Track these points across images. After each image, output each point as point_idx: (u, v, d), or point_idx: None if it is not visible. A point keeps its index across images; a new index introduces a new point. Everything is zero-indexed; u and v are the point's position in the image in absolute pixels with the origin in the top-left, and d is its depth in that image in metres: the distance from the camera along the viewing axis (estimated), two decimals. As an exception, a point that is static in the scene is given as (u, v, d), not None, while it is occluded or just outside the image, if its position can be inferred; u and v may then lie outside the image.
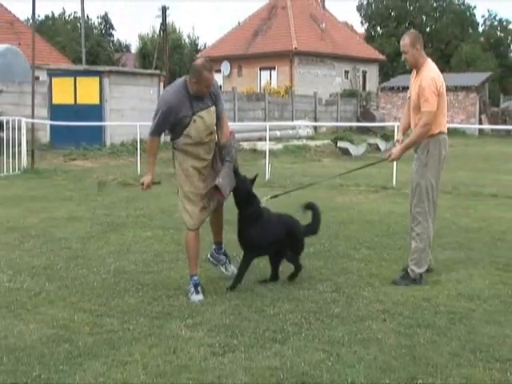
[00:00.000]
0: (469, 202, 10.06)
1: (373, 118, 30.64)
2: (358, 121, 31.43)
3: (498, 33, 51.81)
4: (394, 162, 11.70)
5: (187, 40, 49.34)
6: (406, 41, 5.40)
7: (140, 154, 14.40)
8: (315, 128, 27.55)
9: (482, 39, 51.01)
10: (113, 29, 58.43)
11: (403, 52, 5.44)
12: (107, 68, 20.62)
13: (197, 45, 50.01)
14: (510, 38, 51.52)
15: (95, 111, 18.92)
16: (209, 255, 5.66)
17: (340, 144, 19.71)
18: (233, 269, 5.54)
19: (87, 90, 19.30)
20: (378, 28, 51.49)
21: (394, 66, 45.60)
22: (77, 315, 4.54)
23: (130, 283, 5.36)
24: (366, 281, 5.47)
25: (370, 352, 3.88)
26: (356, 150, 19.28)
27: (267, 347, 3.96)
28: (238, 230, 5.26)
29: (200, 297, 4.98)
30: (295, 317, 4.51)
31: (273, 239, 5.27)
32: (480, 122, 32.34)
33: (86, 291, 5.14)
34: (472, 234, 7.46)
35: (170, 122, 4.96)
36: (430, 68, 5.39)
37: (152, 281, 5.45)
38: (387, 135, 20.45)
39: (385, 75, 43.65)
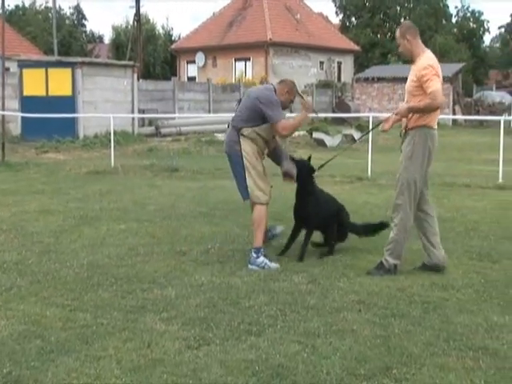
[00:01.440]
0: (443, 191, 10.16)
1: (348, 109, 30.73)
2: (334, 112, 31.53)
3: (471, 24, 52.32)
4: (369, 153, 11.79)
5: (161, 31, 48.93)
6: (396, 33, 5.51)
7: (114, 147, 14.29)
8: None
9: (455, 30, 51.45)
10: (85, 19, 57.51)
11: (398, 45, 5.53)
12: (80, 59, 20.37)
13: (171, 35, 49.60)
14: (482, 29, 52.01)
15: (68, 103, 18.67)
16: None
17: (315, 135, 19.75)
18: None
19: (59, 82, 19.05)
20: (353, 18, 51.60)
21: (368, 57, 45.84)
22: (49, 310, 4.48)
23: (103, 277, 5.31)
24: (341, 272, 5.50)
25: (345, 343, 3.90)
26: (331, 140, 19.32)
27: (242, 340, 3.96)
28: (297, 205, 6.12)
29: (276, 265, 5.68)
30: (270, 309, 4.51)
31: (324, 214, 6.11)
32: (454, 113, 32.66)
33: (58, 286, 5.07)
34: (446, 224, 7.52)
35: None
36: (427, 57, 5.38)
37: (126, 274, 5.41)
38: (362, 126, 20.51)
39: (360, 66, 43.80)
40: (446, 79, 32.90)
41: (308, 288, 5.02)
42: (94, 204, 8.96)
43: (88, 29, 58.19)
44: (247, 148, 5.79)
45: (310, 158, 6.25)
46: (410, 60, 5.56)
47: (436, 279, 5.28)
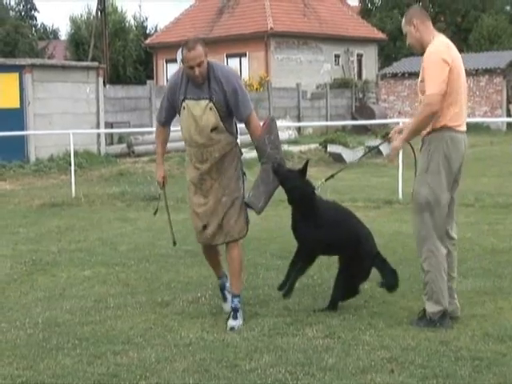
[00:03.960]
0: (496, 216, 10.18)
1: (371, 114, 30.92)
2: (353, 118, 31.71)
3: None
4: (400, 169, 11.83)
5: (132, 22, 49.43)
6: (402, 21, 5.58)
7: (75, 171, 14.36)
8: (299, 129, 27.70)
9: (507, 8, 51.66)
10: (35, 10, 58.37)
11: (405, 36, 5.60)
12: (29, 61, 20.53)
13: (145, 28, 50.12)
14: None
15: (14, 117, 18.77)
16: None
17: (331, 148, 19.85)
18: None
19: (3, 90, 19.16)
20: (376, -1, 52.07)
21: (397, 47, 46.04)
22: (-6, 383, 4.51)
23: (64, 338, 5.33)
24: (366, 322, 5.51)
25: (373, 413, 3.91)
26: (351, 155, 19.40)
27: (243, 413, 3.98)
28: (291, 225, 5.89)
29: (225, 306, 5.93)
30: (278, 372, 4.52)
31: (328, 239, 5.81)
32: (508, 114, 32.75)
33: (5, 351, 5.09)
34: (501, 257, 7.55)
35: (168, 105, 5.77)
36: (434, 44, 5.37)
37: (93, 334, 5.43)
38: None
39: (386, 59, 44.13)
40: (497, 71, 33.19)
41: (325, 344, 5.04)
42: (51, 245, 9.00)
43: (39, 22, 58.93)
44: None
45: (305, 167, 5.78)
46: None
47: (489, 328, 5.28)
